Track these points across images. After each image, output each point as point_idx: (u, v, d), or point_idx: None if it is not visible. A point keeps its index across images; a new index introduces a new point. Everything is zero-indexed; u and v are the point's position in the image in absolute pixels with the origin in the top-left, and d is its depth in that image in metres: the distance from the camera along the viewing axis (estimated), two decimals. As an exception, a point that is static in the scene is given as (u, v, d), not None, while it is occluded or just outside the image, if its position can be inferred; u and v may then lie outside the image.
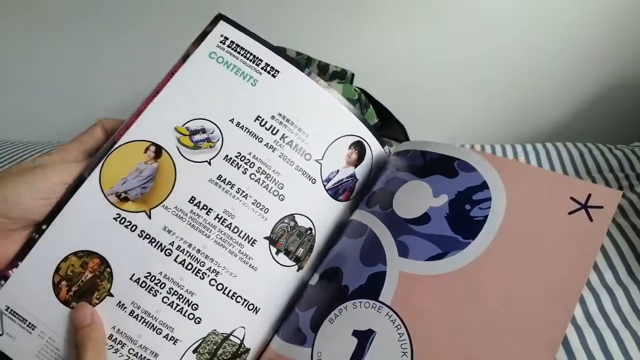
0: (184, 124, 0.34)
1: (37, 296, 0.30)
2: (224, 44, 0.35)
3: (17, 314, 0.30)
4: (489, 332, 0.27)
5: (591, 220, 0.28)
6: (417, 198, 0.33)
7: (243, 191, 0.33)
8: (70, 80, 0.91)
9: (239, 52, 0.35)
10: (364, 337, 0.29)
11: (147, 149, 0.33)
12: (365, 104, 0.67)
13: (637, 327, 0.41)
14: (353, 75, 0.72)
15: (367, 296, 0.30)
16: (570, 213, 0.28)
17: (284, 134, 0.35)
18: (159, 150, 0.33)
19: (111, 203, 0.32)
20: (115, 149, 0.32)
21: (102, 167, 0.32)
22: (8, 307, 0.30)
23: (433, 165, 0.34)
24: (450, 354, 0.27)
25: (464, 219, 0.31)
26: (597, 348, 0.39)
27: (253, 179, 0.33)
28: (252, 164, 0.34)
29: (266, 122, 0.34)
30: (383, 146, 0.39)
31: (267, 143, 0.34)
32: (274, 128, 0.34)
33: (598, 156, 0.65)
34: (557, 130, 0.96)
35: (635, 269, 0.47)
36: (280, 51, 0.36)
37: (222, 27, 0.35)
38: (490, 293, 0.28)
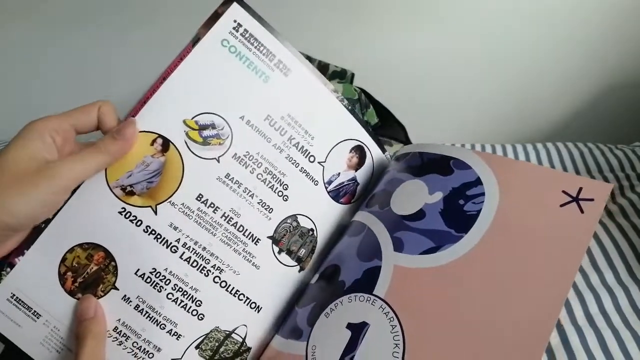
0: (193, 117, 0.32)
1: (43, 285, 0.30)
2: (237, 31, 0.33)
3: (22, 301, 0.30)
4: (480, 323, 0.27)
5: (582, 212, 0.28)
6: (413, 196, 0.34)
7: (250, 190, 0.33)
8: (72, 82, 0.91)
9: (252, 44, 0.33)
10: (357, 330, 0.29)
11: (154, 141, 0.31)
12: (365, 104, 0.67)
13: (637, 327, 0.41)
14: (353, 75, 0.72)
15: (362, 290, 0.31)
16: (561, 205, 0.29)
17: (291, 136, 0.35)
18: (166, 144, 0.32)
19: (116, 196, 0.31)
20: None
21: None
22: (13, 295, 0.29)
23: (430, 164, 0.35)
24: (441, 345, 0.27)
25: (458, 213, 0.32)
26: (597, 348, 0.39)
27: (259, 178, 0.33)
28: (260, 164, 0.33)
29: (275, 122, 0.34)
30: (384, 152, 0.39)
31: (275, 144, 0.34)
32: (283, 129, 0.34)
33: (598, 156, 0.65)
34: (557, 130, 0.97)
35: (636, 269, 0.47)
36: (291, 47, 0.35)
37: (235, 10, 0.33)
38: (482, 284, 0.28)
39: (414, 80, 0.92)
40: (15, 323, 0.29)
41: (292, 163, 0.35)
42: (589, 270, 0.47)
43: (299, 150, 0.35)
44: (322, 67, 0.69)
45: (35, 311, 0.30)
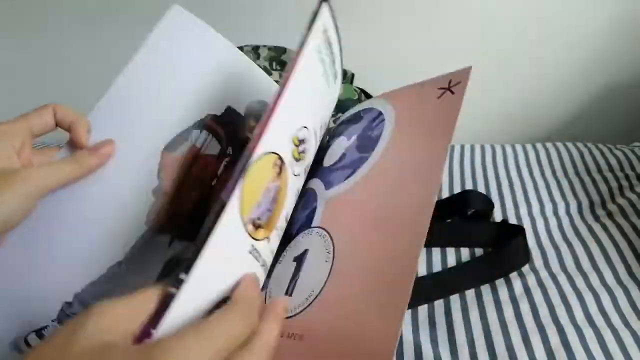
0: (296, 133, 0.29)
1: None
2: (324, 35, 0.30)
3: None
4: (385, 208, 0.31)
5: (453, 93, 0.35)
6: (337, 149, 0.40)
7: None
8: (69, 80, 0.91)
9: (330, 51, 0.31)
10: (300, 258, 0.33)
11: (274, 163, 0.27)
12: (366, 103, 0.67)
13: (637, 327, 0.41)
14: (353, 75, 0.72)
15: (305, 229, 0.35)
16: (438, 97, 0.35)
17: (320, 138, 0.36)
18: (282, 165, 0.27)
19: (248, 234, 0.25)
20: (251, 163, 0.24)
21: (243, 187, 0.23)
22: None
23: (348, 122, 0.42)
24: (358, 235, 0.31)
25: (367, 141, 0.37)
26: (596, 348, 0.39)
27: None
28: (306, 170, 0.35)
29: (323, 126, 0.35)
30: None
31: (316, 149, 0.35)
32: (323, 135, 0.36)
33: (598, 156, 0.65)
34: (557, 130, 0.97)
35: (635, 269, 0.47)
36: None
37: (325, 14, 0.29)
38: (386, 179, 0.33)
39: (413, 80, 0.92)
40: None
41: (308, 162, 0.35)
42: (589, 270, 0.47)
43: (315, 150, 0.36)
44: (322, 67, 0.69)
45: None
